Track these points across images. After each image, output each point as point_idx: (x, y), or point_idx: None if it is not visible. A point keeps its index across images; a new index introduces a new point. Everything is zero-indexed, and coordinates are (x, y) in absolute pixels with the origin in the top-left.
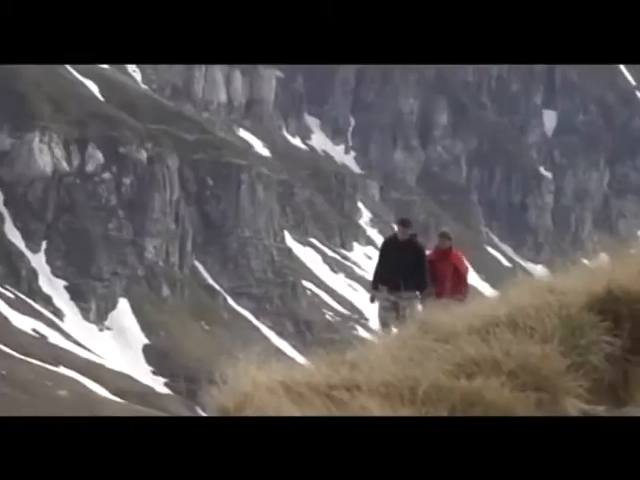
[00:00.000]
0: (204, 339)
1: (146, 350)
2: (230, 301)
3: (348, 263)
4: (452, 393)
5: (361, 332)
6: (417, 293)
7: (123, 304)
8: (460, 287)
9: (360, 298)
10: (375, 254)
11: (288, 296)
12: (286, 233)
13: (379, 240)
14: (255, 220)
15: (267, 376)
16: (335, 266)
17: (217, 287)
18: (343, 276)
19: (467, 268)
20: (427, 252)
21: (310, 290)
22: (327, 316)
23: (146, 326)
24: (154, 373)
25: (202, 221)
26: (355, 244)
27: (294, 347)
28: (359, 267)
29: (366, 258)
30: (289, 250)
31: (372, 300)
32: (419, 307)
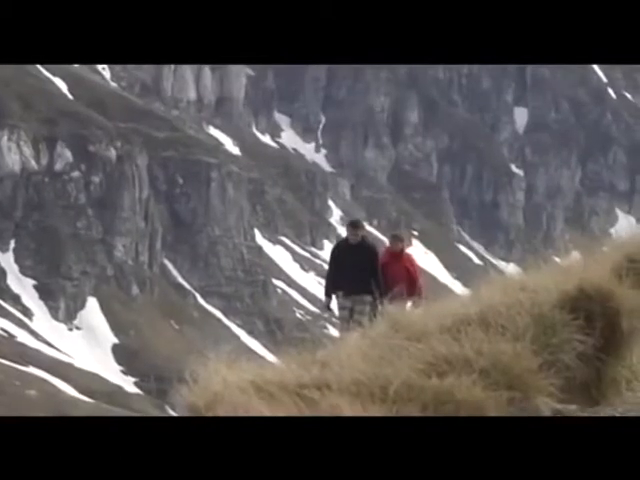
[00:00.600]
0: (174, 338)
1: (115, 349)
2: (200, 300)
3: (318, 261)
4: (423, 392)
5: (332, 331)
6: (371, 296)
7: (92, 303)
8: (413, 289)
9: None
10: None
11: (258, 295)
12: (256, 231)
13: None
14: (225, 218)
15: (237, 375)
16: (306, 264)
17: (187, 286)
18: (313, 274)
19: (419, 269)
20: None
21: (280, 289)
22: (297, 315)
23: (115, 325)
24: (123, 372)
25: (172, 219)
26: (326, 242)
27: (264, 346)
28: None
29: None
30: (259, 248)
31: (327, 307)
32: (376, 310)
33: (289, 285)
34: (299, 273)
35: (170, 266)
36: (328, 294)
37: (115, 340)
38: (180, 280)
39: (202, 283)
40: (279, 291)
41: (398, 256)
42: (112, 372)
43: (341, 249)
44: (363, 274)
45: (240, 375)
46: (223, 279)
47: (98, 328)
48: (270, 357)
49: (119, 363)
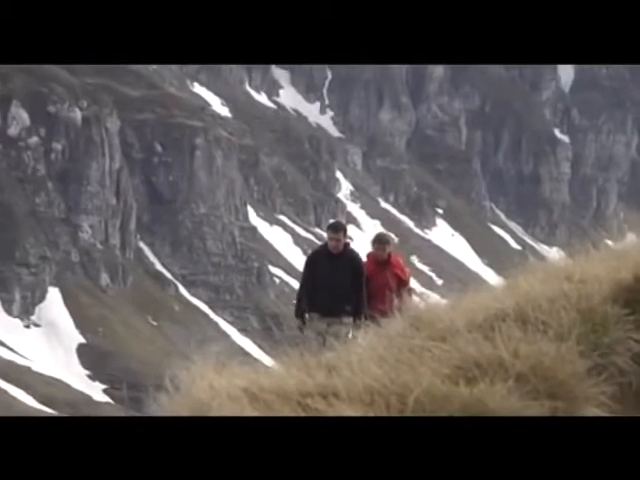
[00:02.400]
0: (151, 337)
1: (81, 350)
2: (182, 291)
3: None
4: (449, 401)
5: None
6: (355, 318)
7: (54, 295)
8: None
9: None
10: (358, 234)
11: (252, 285)
12: (249, 209)
13: (362, 218)
14: (213, 194)
15: (227, 381)
16: (309, 248)
17: (167, 274)
18: None
19: (409, 274)
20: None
21: (279, 278)
22: None
23: (81, 321)
24: (90, 378)
25: (149, 195)
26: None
27: (259, 346)
28: None
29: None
30: (253, 229)
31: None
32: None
33: (289, 274)
34: (301, 259)
35: (147, 251)
36: (300, 314)
37: (81, 339)
38: (159, 267)
39: (185, 271)
40: (277, 280)
41: (385, 263)
42: (77, 377)
43: (319, 258)
44: (345, 291)
45: (230, 381)
46: (210, 266)
47: (60, 325)
48: (266, 360)
49: (86, 367)
